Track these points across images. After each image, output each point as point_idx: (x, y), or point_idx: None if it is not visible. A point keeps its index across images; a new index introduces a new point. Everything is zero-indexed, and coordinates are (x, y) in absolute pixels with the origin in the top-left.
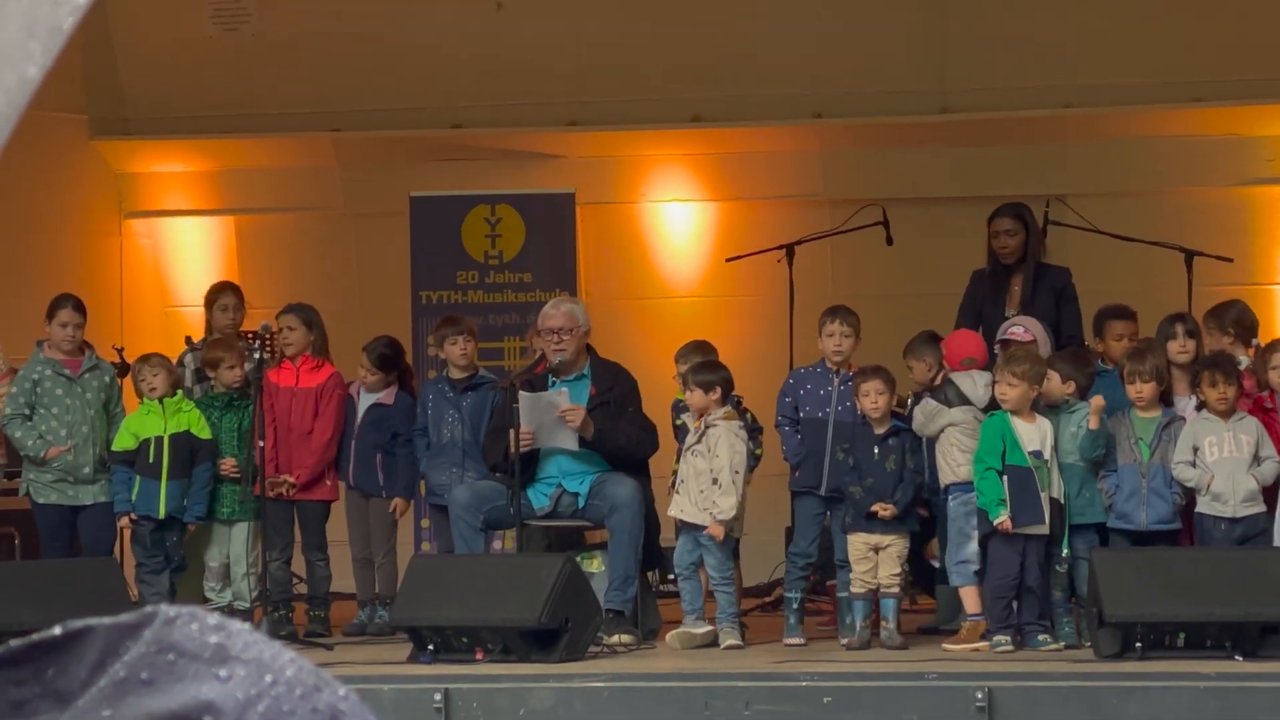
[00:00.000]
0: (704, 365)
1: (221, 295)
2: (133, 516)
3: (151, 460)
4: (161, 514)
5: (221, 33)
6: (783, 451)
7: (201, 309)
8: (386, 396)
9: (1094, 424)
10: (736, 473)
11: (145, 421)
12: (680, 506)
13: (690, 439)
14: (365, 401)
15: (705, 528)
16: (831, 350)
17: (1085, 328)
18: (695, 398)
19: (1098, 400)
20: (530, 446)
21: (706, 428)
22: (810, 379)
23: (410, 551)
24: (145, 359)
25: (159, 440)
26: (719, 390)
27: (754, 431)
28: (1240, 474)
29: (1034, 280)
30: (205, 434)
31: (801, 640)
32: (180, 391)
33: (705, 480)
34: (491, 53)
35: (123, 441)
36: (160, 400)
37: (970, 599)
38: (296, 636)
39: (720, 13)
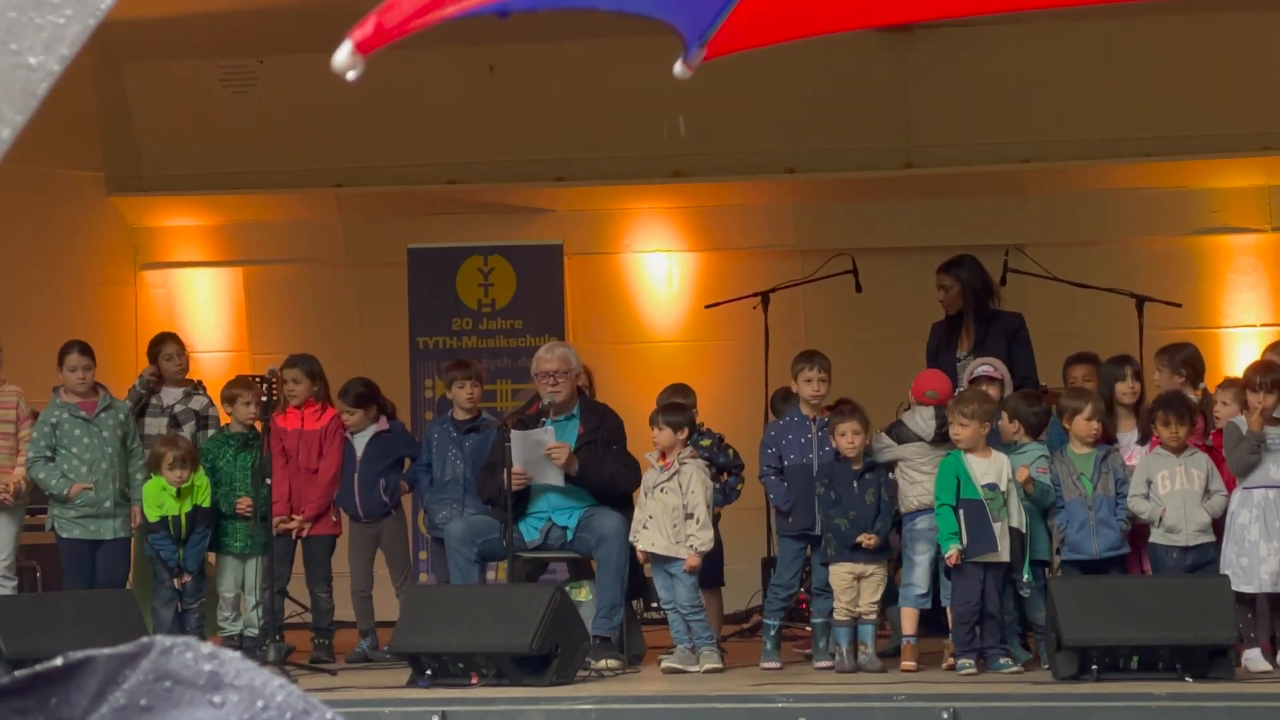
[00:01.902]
0: (672, 407)
1: (165, 345)
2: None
3: (172, 532)
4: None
5: (231, 95)
6: (770, 500)
7: (216, 353)
8: (381, 425)
9: (1029, 489)
10: (709, 507)
11: (164, 499)
12: (651, 540)
13: (659, 476)
14: (362, 439)
15: (677, 560)
16: (810, 395)
17: (1045, 370)
18: (664, 436)
19: (1023, 471)
20: (523, 484)
21: (679, 465)
22: (790, 429)
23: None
24: (171, 441)
25: (176, 519)
26: (687, 430)
27: (736, 468)
28: (1192, 506)
29: (985, 326)
30: (207, 503)
31: (778, 664)
32: (194, 475)
33: (678, 515)
34: (484, 113)
35: (152, 514)
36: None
37: (909, 621)
38: (288, 656)
39: (698, 75)
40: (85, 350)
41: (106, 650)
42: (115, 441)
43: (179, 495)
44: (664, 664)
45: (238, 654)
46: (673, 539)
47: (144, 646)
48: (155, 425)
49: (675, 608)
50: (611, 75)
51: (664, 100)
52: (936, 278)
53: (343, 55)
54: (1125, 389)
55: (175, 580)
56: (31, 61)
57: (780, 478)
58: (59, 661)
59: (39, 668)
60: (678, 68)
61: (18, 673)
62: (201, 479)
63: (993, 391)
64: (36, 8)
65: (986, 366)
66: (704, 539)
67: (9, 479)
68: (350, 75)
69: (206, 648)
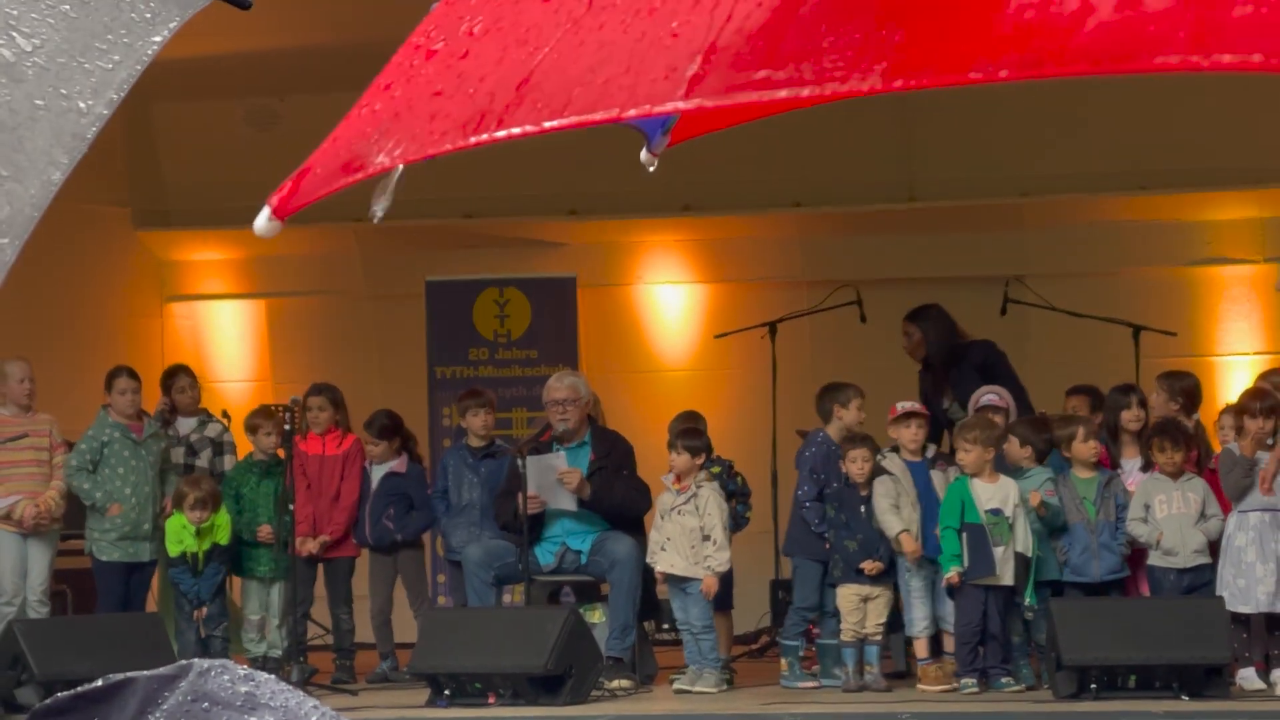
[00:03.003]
0: (691, 431)
1: (177, 378)
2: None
3: (191, 565)
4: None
5: (253, 132)
6: (813, 525)
7: (239, 383)
8: (399, 465)
9: (1041, 512)
10: (725, 529)
11: (184, 536)
12: (670, 562)
13: (676, 499)
14: (379, 471)
15: (694, 580)
16: (857, 422)
17: (1045, 397)
18: (682, 461)
19: (1034, 496)
20: (538, 508)
21: (696, 489)
22: (832, 457)
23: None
24: (194, 482)
25: (195, 555)
26: (704, 455)
27: (745, 495)
28: (1189, 529)
29: (955, 368)
30: (225, 541)
31: (816, 682)
32: (215, 515)
33: (695, 537)
34: (499, 148)
35: (173, 549)
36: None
37: (923, 648)
38: (312, 677)
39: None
40: (133, 375)
41: (146, 672)
42: (157, 466)
43: (199, 534)
44: (675, 684)
45: (272, 676)
46: (690, 560)
47: (182, 668)
48: (175, 454)
49: (689, 627)
50: None
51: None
52: (902, 325)
53: (262, 221)
54: (1130, 416)
55: (194, 612)
56: (81, 106)
57: (821, 504)
58: (100, 682)
59: (80, 689)
60: (644, 155)
61: (60, 693)
62: (222, 518)
63: (998, 420)
64: (86, 54)
65: (992, 395)
66: (720, 560)
67: (42, 500)
68: (269, 237)
69: (243, 670)
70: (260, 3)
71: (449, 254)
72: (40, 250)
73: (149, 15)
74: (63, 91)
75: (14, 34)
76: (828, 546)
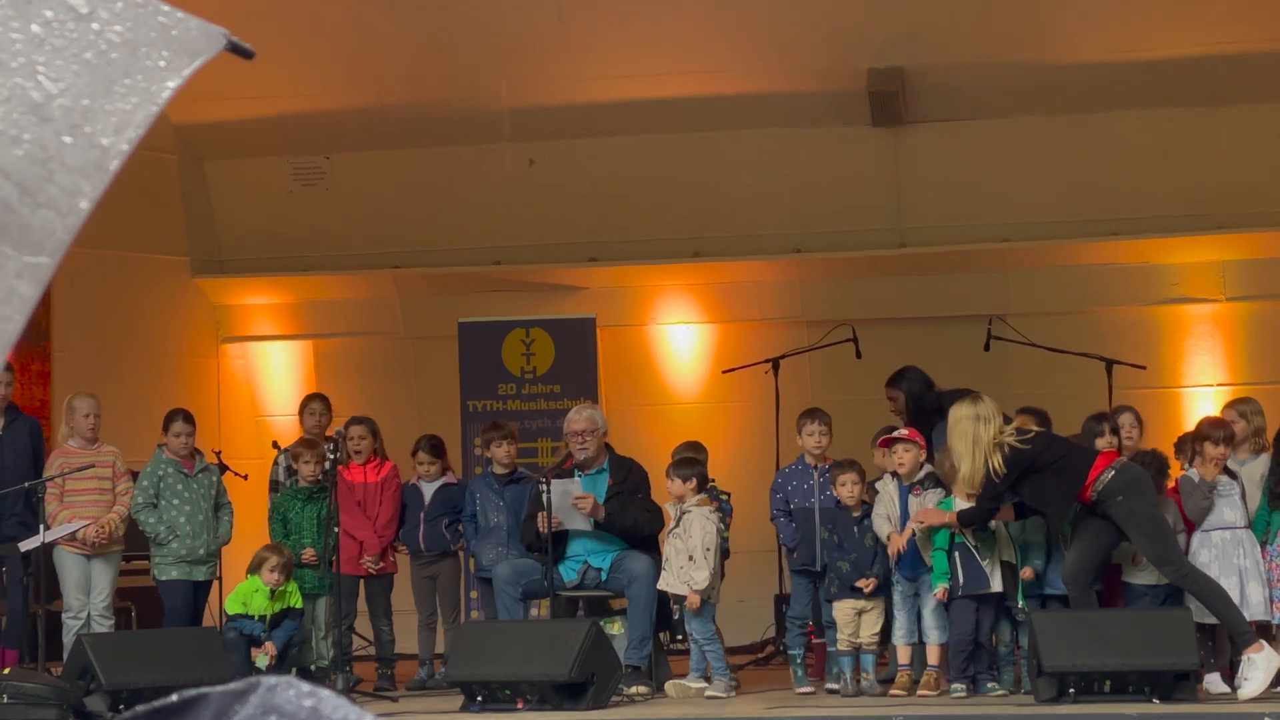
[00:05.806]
0: (683, 461)
1: (311, 402)
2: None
3: (257, 623)
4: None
5: (301, 188)
6: (779, 539)
7: (288, 417)
8: (450, 477)
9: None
10: (708, 550)
11: (254, 600)
12: (667, 581)
13: (671, 523)
14: (430, 487)
15: (684, 598)
16: (812, 446)
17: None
18: (675, 486)
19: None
20: (559, 528)
21: (683, 513)
22: (795, 476)
23: (462, 619)
24: (277, 549)
25: (263, 618)
26: (695, 481)
27: (728, 512)
28: None
29: (934, 424)
30: (298, 604)
31: (811, 688)
32: (288, 582)
33: (683, 558)
34: (525, 201)
35: (234, 607)
36: (272, 591)
37: (904, 654)
38: (356, 686)
39: (715, 167)
40: (188, 419)
41: (218, 688)
42: (210, 498)
43: (273, 596)
44: (668, 683)
45: (332, 692)
46: (679, 579)
47: (251, 684)
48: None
49: (694, 639)
50: (638, 167)
51: (683, 190)
52: (886, 390)
53: None
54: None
55: (253, 650)
56: (104, 143)
57: (789, 519)
58: (175, 698)
59: (156, 703)
60: None
61: (138, 708)
62: (293, 585)
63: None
64: (107, 97)
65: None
66: (698, 579)
67: (104, 521)
68: None
69: (306, 686)
70: (307, 67)
71: (479, 298)
72: (107, 296)
73: (162, 64)
74: (86, 130)
75: (40, 78)
76: (795, 555)
